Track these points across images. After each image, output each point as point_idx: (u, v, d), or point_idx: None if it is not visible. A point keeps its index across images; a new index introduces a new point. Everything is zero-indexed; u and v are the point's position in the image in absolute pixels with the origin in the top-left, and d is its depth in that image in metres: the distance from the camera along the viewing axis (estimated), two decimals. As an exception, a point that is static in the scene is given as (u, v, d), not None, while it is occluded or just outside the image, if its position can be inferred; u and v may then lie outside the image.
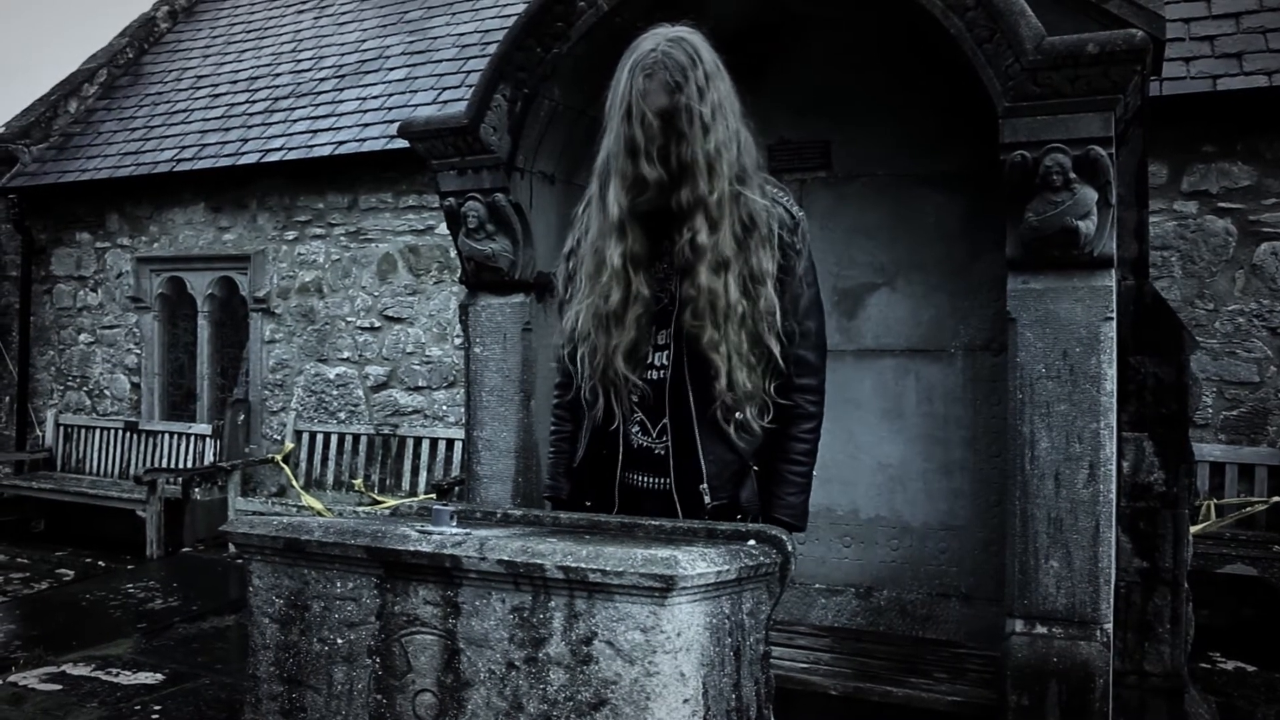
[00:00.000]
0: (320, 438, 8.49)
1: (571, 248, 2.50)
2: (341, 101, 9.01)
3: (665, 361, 2.35)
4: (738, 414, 2.30)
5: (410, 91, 8.69)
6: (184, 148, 9.44)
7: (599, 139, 2.32)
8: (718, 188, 2.21)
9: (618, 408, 2.38)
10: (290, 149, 8.71)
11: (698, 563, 1.88)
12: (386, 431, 8.24)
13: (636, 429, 2.41)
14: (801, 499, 2.44)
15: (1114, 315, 2.99)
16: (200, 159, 9.18)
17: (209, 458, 8.82)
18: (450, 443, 7.87)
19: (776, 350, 2.28)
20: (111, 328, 9.94)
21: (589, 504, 2.53)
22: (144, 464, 9.14)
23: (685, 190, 2.21)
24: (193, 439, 9.08)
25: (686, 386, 2.32)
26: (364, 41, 9.83)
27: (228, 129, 9.40)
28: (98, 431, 9.64)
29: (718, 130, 2.21)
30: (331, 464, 8.40)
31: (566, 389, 2.58)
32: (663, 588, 1.83)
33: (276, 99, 9.54)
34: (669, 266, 2.33)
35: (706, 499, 2.36)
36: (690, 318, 2.27)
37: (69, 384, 10.20)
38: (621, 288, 2.29)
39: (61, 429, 9.86)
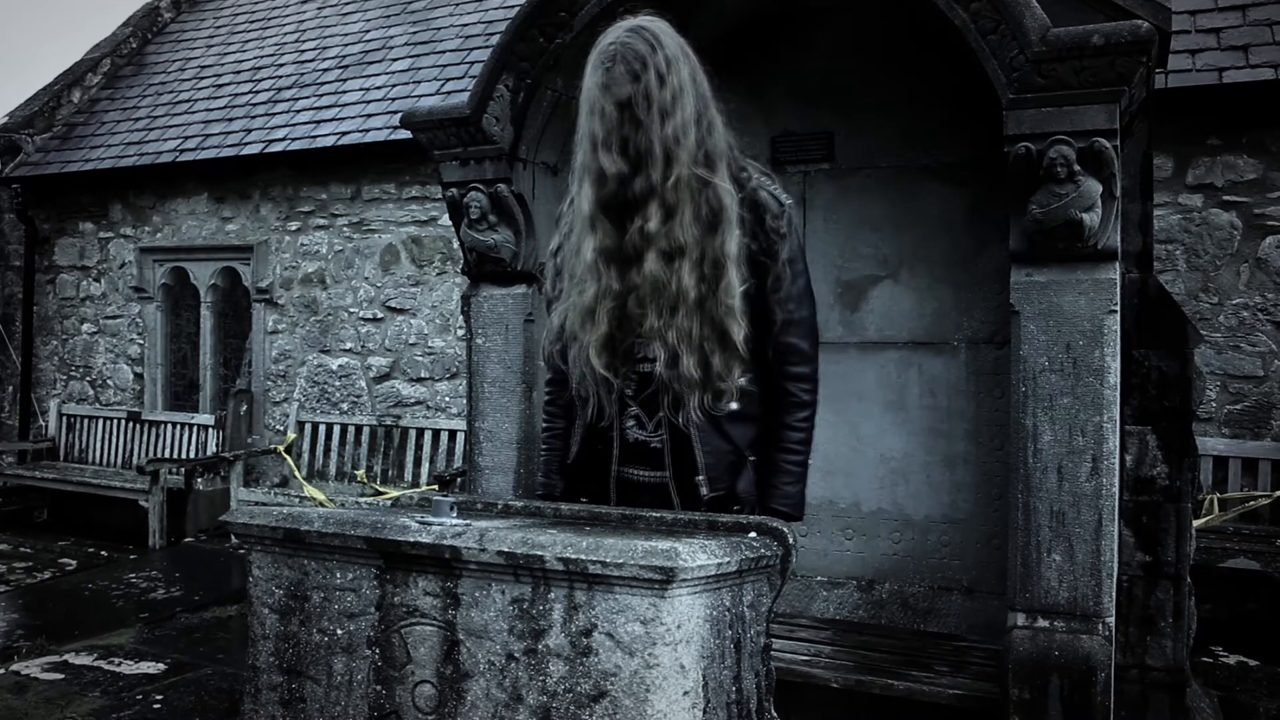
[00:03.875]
0: (323, 428, 8.50)
1: (558, 245, 2.49)
2: (345, 92, 9.00)
3: (658, 353, 2.32)
4: (685, 400, 2.27)
5: (414, 82, 8.68)
6: (187, 138, 9.43)
7: (576, 138, 2.31)
8: (673, 174, 2.19)
9: (608, 403, 2.37)
10: (293, 139, 8.70)
11: (698, 555, 1.87)
12: (389, 423, 8.24)
13: (632, 423, 2.39)
14: (798, 489, 2.42)
15: (1118, 308, 2.98)
16: (203, 149, 9.18)
17: (211, 448, 8.83)
18: (452, 434, 7.87)
19: (738, 335, 2.24)
20: (114, 318, 9.94)
21: (584, 499, 2.51)
22: (147, 454, 9.16)
23: (640, 179, 2.19)
24: (195, 429, 9.09)
25: (680, 377, 2.29)
26: (367, 32, 9.82)
27: (231, 119, 9.39)
28: (100, 421, 9.66)
29: (676, 116, 2.18)
30: (334, 455, 8.41)
31: (557, 386, 2.58)
32: (663, 580, 1.82)
33: (280, 89, 9.53)
34: None
35: (703, 490, 2.34)
36: (633, 305, 2.25)
37: (72, 374, 10.21)
38: (594, 282, 2.27)
39: (64, 419, 9.88)
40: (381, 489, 7.87)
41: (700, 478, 2.34)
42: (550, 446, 2.63)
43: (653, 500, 2.40)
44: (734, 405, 2.31)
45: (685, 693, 1.87)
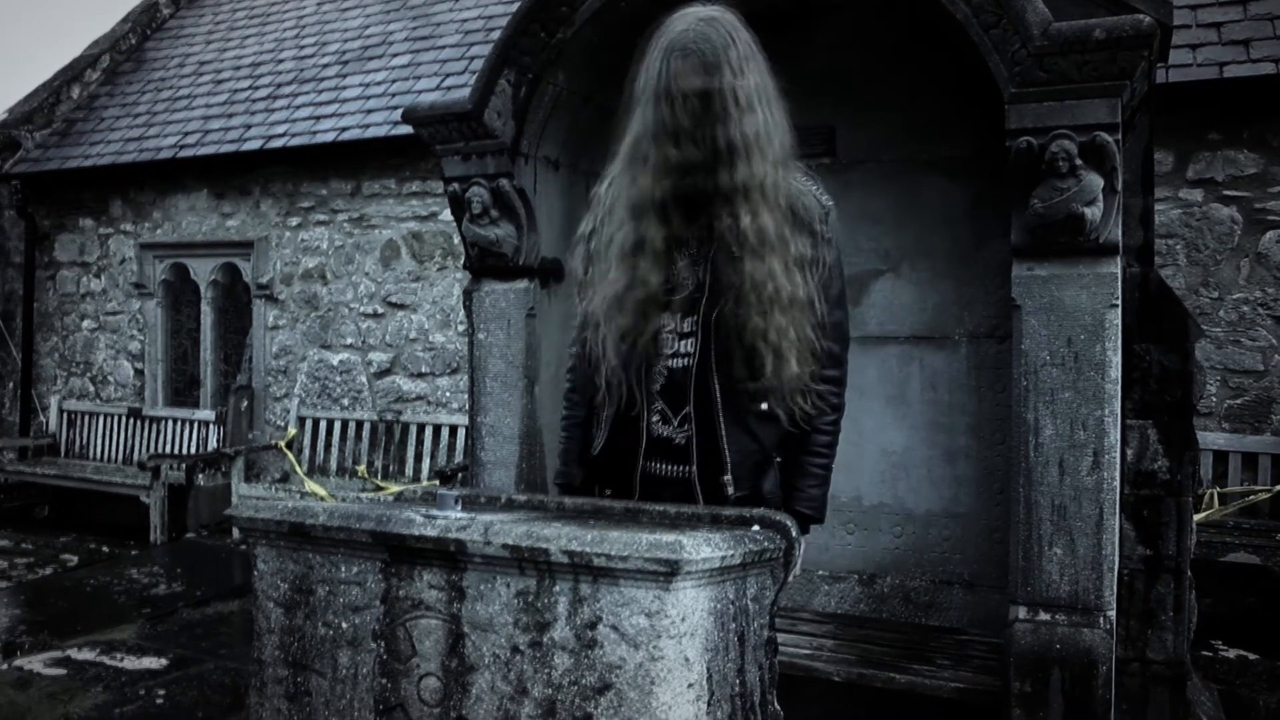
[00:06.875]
0: (324, 424, 8.51)
1: (592, 229, 2.43)
2: (345, 88, 9.00)
3: (691, 349, 2.30)
4: (787, 402, 2.26)
5: (414, 78, 8.67)
6: (187, 134, 9.42)
7: (626, 120, 2.27)
8: (762, 170, 2.18)
9: (640, 394, 2.34)
10: (294, 135, 8.69)
11: (702, 547, 1.87)
12: (390, 418, 8.25)
13: (657, 418, 2.36)
14: (822, 491, 2.41)
15: (1119, 302, 2.98)
16: (203, 145, 9.17)
17: (212, 444, 8.84)
18: (454, 429, 7.88)
19: (815, 337, 2.25)
20: (115, 314, 9.94)
21: (608, 492, 2.47)
22: (148, 450, 9.16)
23: (727, 172, 2.17)
24: (196, 425, 9.10)
25: (712, 375, 2.28)
26: (367, 27, 9.81)
27: (231, 115, 9.38)
28: (101, 418, 9.66)
29: (758, 112, 2.17)
30: (335, 450, 8.41)
31: (581, 374, 2.53)
32: (667, 572, 1.83)
33: (280, 85, 9.52)
34: (697, 252, 2.29)
35: (730, 490, 2.32)
36: (734, 305, 2.22)
37: (72, 370, 10.21)
38: (663, 272, 2.25)
39: (65, 415, 9.88)
40: (382, 484, 7.88)
41: (727, 477, 2.31)
42: (570, 435, 2.58)
43: (676, 496, 2.35)
44: (810, 404, 2.30)
45: (690, 685, 1.87)
